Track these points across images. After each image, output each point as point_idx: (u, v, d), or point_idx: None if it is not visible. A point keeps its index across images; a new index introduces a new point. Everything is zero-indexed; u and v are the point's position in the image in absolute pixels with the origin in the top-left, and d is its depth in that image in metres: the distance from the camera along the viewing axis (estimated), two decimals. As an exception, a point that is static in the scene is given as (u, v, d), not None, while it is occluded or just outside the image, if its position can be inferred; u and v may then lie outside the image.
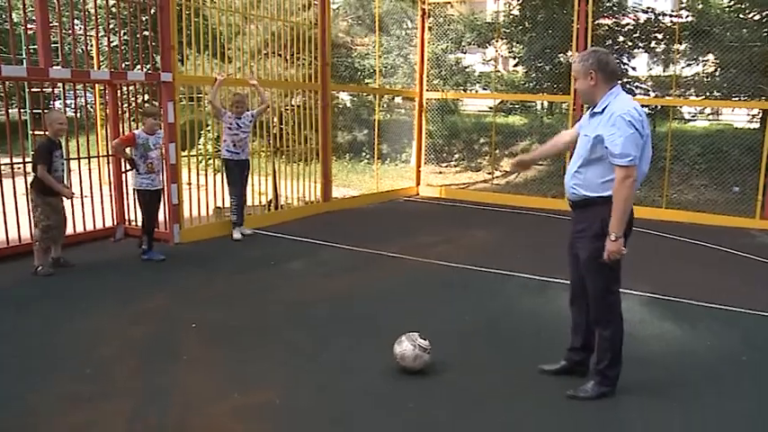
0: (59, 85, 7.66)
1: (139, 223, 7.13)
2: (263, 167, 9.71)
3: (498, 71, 14.81)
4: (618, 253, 3.51)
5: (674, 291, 5.95)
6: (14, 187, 6.85)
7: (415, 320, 4.75)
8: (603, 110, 3.57)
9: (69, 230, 6.92)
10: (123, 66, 7.77)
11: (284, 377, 4.07)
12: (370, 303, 5.62)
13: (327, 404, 3.73)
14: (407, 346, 4.07)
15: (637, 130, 3.45)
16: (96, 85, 9.49)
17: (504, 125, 15.27)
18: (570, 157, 3.93)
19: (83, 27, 7.95)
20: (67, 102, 11.90)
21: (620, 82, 3.78)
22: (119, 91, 7.88)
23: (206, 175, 8.75)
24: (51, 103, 9.24)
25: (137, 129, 7.14)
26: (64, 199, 6.47)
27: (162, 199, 7.15)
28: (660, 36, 11.87)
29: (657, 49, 12.13)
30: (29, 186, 6.35)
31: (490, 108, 17.93)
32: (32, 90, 10.37)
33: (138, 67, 7.66)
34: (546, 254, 7.21)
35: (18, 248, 6.75)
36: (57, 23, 8.83)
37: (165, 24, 7.20)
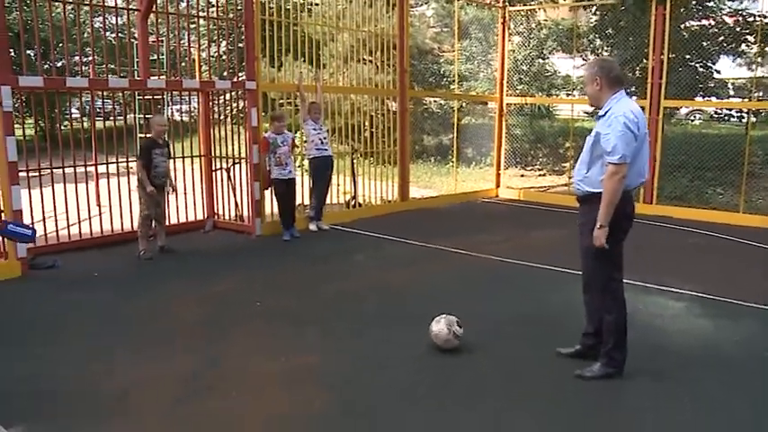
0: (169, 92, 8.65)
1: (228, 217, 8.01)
2: (347, 167, 10.34)
3: (571, 77, 14.80)
4: (599, 242, 3.83)
5: (723, 291, 5.98)
6: (129, 184, 7.94)
7: (457, 309, 5.13)
8: (606, 113, 3.87)
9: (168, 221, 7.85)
10: (227, 74, 8.70)
11: (319, 352, 4.63)
12: (418, 293, 6.07)
13: (350, 378, 4.24)
14: (444, 328, 4.49)
15: (630, 130, 3.75)
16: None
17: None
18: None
19: (186, 40, 8.93)
20: (179, 107, 13.07)
21: (626, 87, 4.06)
22: (221, 98, 8.82)
23: (301, 174, 9.44)
24: (161, 108, 10.33)
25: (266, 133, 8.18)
26: (166, 193, 7.36)
27: (294, 188, 8.22)
28: (752, 39, 11.56)
29: (750, 52, 11.79)
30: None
31: (587, 113, 17.87)
32: (145, 98, 11.58)
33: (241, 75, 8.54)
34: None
35: (130, 235, 7.61)
36: (159, 39, 9.88)
37: (249, 38, 8.01)
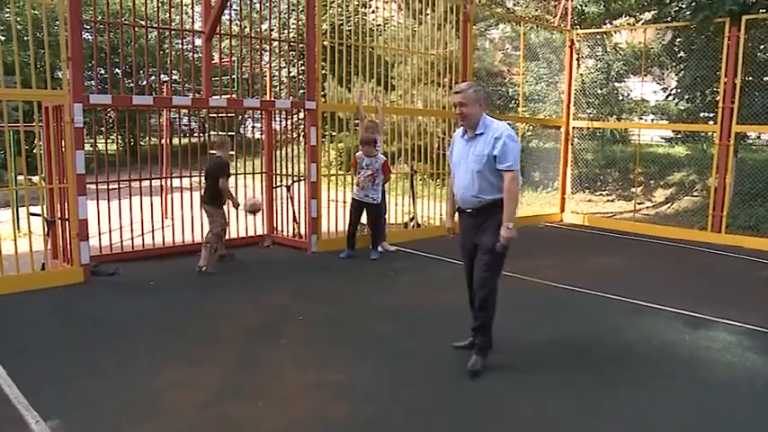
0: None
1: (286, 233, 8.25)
2: (407, 189, 10.45)
3: (645, 100, 14.40)
4: (513, 239, 4.36)
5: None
6: (183, 198, 8.27)
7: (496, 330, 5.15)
8: (483, 132, 4.45)
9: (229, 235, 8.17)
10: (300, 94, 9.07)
11: (354, 366, 4.72)
12: (458, 311, 6.03)
13: (371, 386, 4.30)
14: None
15: (517, 143, 4.45)
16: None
17: (665, 155, 14.81)
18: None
19: (249, 62, 9.32)
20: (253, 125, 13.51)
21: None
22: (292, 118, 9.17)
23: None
24: (239, 127, 10.76)
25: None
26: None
27: (378, 211, 8.24)
28: None
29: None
30: (205, 198, 7.44)
31: (663, 138, 17.37)
32: (213, 116, 12.13)
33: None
34: (660, 280, 7.23)
35: (190, 248, 8.00)
36: (231, 60, 10.32)
37: (310, 60, 8.28)
